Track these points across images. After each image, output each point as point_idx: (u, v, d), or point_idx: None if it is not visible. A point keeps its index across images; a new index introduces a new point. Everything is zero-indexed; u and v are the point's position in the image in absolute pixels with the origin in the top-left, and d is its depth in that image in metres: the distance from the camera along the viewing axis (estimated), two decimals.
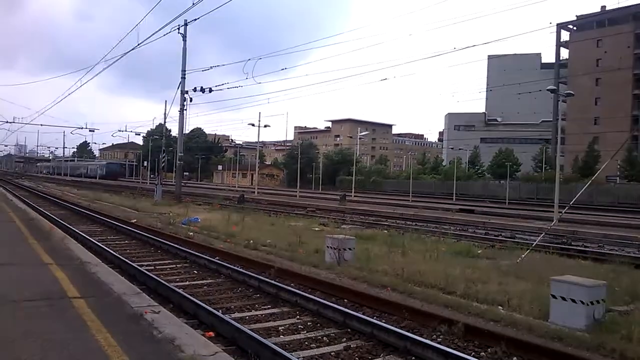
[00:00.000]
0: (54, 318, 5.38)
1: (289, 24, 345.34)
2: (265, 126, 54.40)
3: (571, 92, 36.09)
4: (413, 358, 5.81)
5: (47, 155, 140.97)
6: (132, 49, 30.88)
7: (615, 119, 66.91)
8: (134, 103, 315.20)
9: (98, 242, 13.67)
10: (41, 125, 71.20)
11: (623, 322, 6.70)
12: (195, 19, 30.27)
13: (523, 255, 11.82)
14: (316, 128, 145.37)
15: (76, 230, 15.88)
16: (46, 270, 8.05)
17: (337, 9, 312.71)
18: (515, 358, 5.89)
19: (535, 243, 13.66)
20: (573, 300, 6.80)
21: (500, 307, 7.74)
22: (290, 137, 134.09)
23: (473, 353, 6.05)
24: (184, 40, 31.14)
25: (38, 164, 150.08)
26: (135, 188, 48.42)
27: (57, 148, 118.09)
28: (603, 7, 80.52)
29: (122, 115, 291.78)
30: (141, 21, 66.63)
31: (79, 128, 70.17)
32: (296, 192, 53.55)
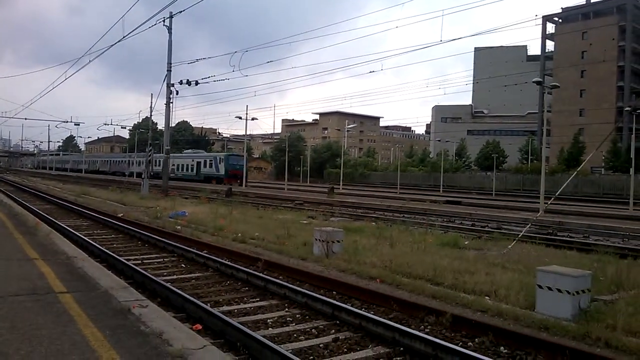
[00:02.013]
0: (41, 313, 5.33)
1: (278, 16, 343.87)
2: (252, 119, 53.88)
3: (557, 84, 36.32)
4: (401, 349, 5.84)
5: (32, 150, 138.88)
6: (118, 41, 30.68)
7: (600, 110, 67.73)
8: (122, 96, 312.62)
9: (84, 236, 13.52)
10: (25, 119, 70.26)
11: (608, 311, 6.79)
12: (181, 11, 30.22)
13: (509, 246, 11.95)
14: (304, 121, 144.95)
15: (62, 225, 15.71)
16: (32, 265, 7.97)
17: (325, 2, 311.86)
18: (502, 348, 5.94)
19: (521, 234, 13.78)
20: (559, 290, 6.88)
21: (487, 297, 7.81)
22: (278, 130, 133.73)
23: (461, 343, 6.08)
24: (170, 32, 30.97)
25: (36, 158, 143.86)
26: (122, 182, 48.08)
27: (41, 142, 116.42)
28: None
29: (108, 108, 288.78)
30: (127, 13, 65.63)
31: (64, 122, 69.41)
32: (284, 184, 53.52)
